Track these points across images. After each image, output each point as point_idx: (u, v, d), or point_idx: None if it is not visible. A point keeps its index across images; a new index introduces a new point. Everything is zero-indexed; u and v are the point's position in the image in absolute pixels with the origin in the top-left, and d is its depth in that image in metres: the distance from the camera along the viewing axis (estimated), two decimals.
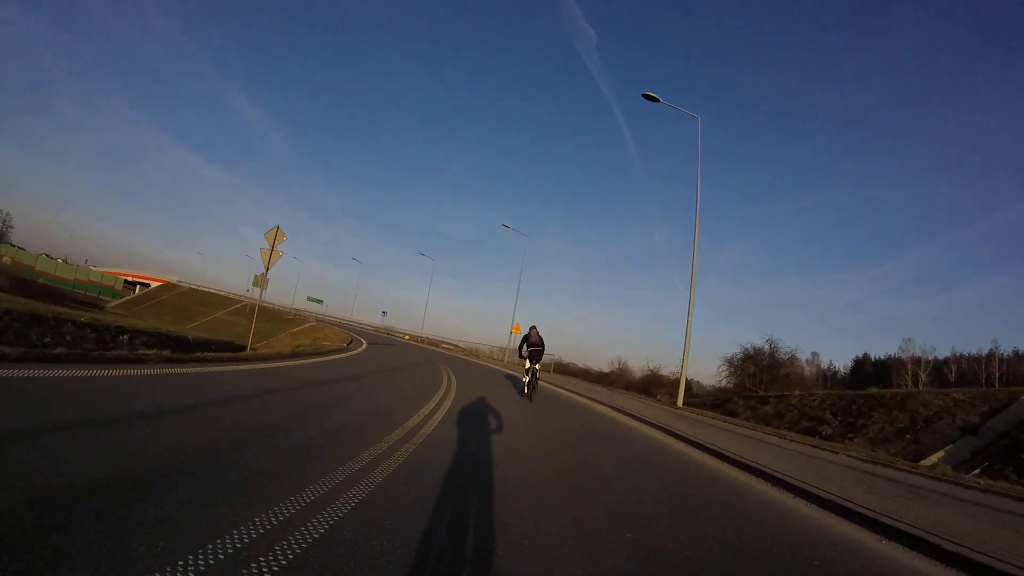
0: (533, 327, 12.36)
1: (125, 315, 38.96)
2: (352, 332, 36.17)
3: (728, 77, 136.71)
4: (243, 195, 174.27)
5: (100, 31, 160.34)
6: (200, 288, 59.76)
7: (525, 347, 12.25)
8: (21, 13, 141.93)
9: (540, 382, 14.56)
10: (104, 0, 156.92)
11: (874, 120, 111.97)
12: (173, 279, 66.25)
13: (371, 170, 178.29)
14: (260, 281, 17.48)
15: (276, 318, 42.08)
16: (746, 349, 32.98)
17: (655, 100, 18.94)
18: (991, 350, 55.52)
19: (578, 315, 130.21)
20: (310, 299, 78.47)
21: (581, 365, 34.86)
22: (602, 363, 23.75)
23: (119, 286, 72.74)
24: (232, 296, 50.87)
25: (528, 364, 12.17)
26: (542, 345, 12.27)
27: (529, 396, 12.04)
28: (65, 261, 77.22)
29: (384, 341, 34.71)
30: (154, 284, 67.12)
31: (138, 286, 73.68)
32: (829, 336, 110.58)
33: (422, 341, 43.26)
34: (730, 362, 33.05)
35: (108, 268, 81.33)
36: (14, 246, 64.92)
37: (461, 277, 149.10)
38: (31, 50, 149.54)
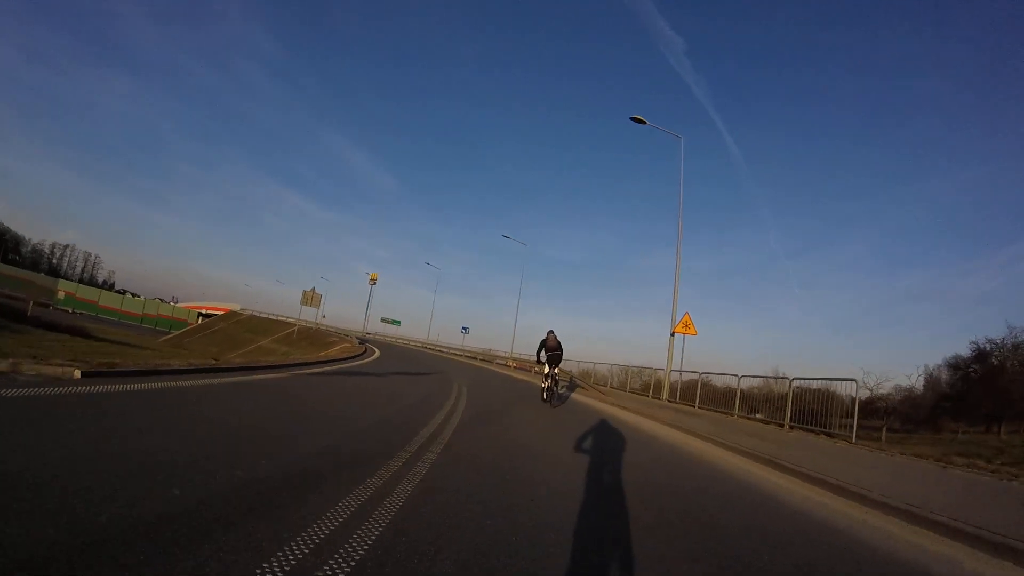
0: (551, 332, 12.42)
1: (160, 348, 33.04)
2: (390, 348, 28.71)
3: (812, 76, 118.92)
4: (353, 233, 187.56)
5: (212, 97, 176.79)
6: (259, 315, 55.00)
7: (543, 352, 12.40)
8: (136, 87, 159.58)
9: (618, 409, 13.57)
10: (213, 69, 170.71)
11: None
12: (237, 307, 62.65)
13: (472, 199, 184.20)
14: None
15: (319, 340, 34.96)
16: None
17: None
18: None
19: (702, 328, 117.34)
20: (385, 320, 72.60)
21: (721, 386, 25.03)
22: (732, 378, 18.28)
23: (193, 319, 70.81)
24: (289, 320, 44.42)
25: (547, 369, 12.34)
26: (560, 349, 12.40)
27: (550, 402, 12.24)
28: (133, 296, 77.65)
29: (418, 367, 25.85)
30: (218, 314, 63.76)
31: (200, 317, 71.27)
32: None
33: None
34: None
35: (191, 303, 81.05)
36: (76, 282, 64.09)
37: (573, 299, 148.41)
38: (148, 119, 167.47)
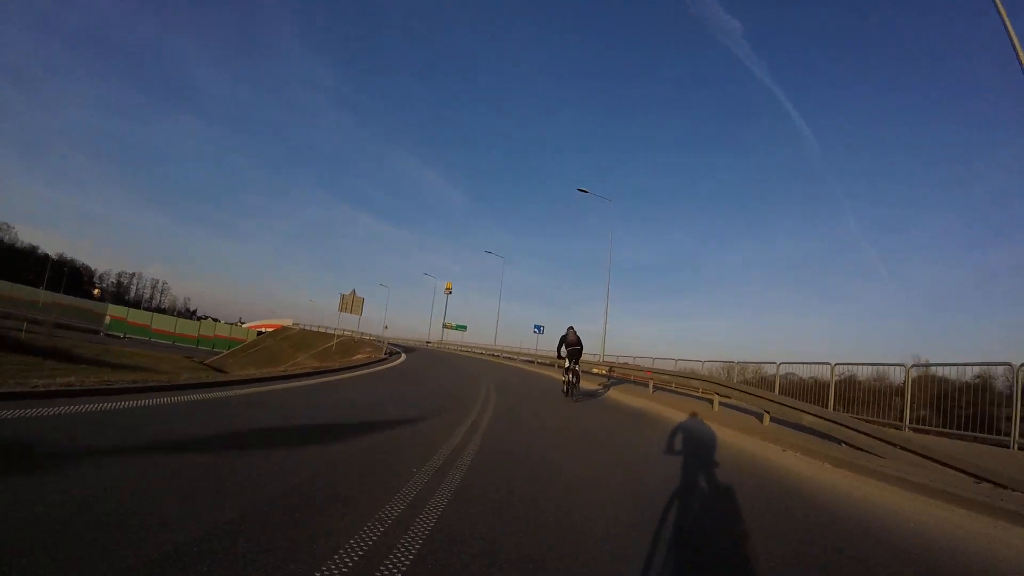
0: (571, 327, 12.92)
1: (173, 370, 28.87)
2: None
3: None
4: (426, 250, 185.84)
5: (279, 130, 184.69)
6: (310, 329, 50.84)
7: (564, 348, 12.81)
8: (205, 125, 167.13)
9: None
10: (278, 105, 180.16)
11: None
12: (288, 322, 59.19)
13: (539, 208, 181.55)
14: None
15: (353, 350, 29.47)
16: None
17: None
18: None
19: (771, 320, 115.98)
20: (447, 326, 66.90)
21: (806, 377, 17.26)
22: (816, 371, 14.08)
23: (251, 338, 68.37)
24: (337, 332, 39.55)
25: (568, 364, 12.67)
26: (580, 345, 12.80)
27: (571, 395, 12.38)
28: (212, 320, 76.64)
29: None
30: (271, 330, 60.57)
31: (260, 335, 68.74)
32: None
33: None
34: None
35: (254, 323, 79.63)
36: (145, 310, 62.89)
37: (642, 301, 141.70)
38: (220, 155, 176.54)
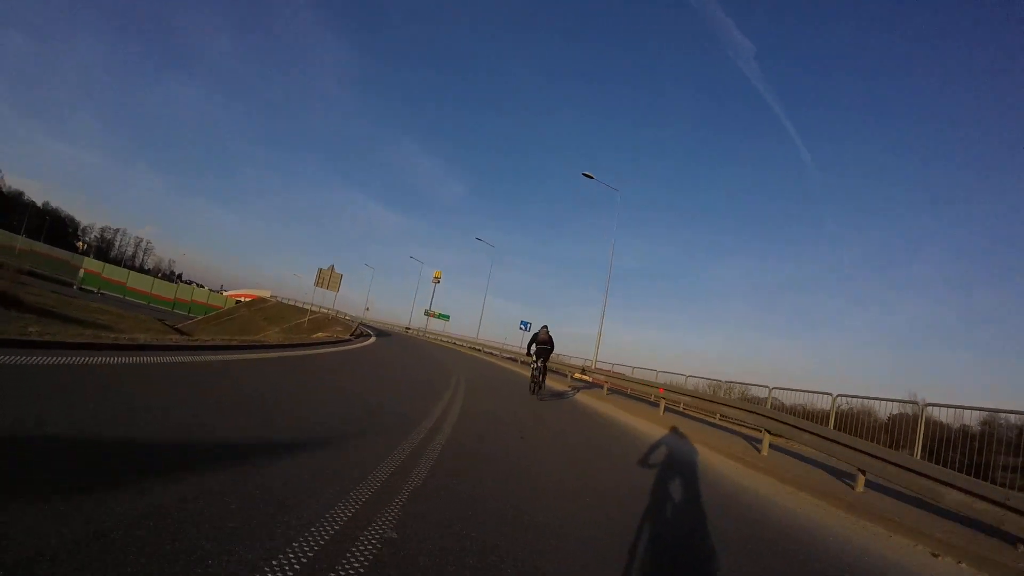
0: (544, 327, 13.05)
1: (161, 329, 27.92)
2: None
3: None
4: (419, 238, 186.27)
5: (282, 105, 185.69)
6: (286, 302, 49.59)
7: (534, 346, 12.86)
8: (214, 94, 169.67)
9: None
10: (283, 79, 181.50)
11: None
12: (267, 294, 57.88)
13: (535, 208, 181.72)
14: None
15: (325, 328, 28.41)
16: None
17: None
18: None
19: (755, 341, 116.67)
20: (428, 313, 65.40)
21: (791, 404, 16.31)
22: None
23: (228, 305, 67.05)
24: (313, 308, 38.37)
25: (536, 362, 12.72)
26: (551, 344, 12.86)
27: (536, 393, 12.56)
28: (190, 284, 75.02)
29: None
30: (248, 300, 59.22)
31: (236, 303, 67.38)
32: None
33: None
34: None
35: (235, 292, 78.18)
36: (103, 262, 61.43)
37: (634, 309, 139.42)
38: (224, 123, 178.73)
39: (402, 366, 13.44)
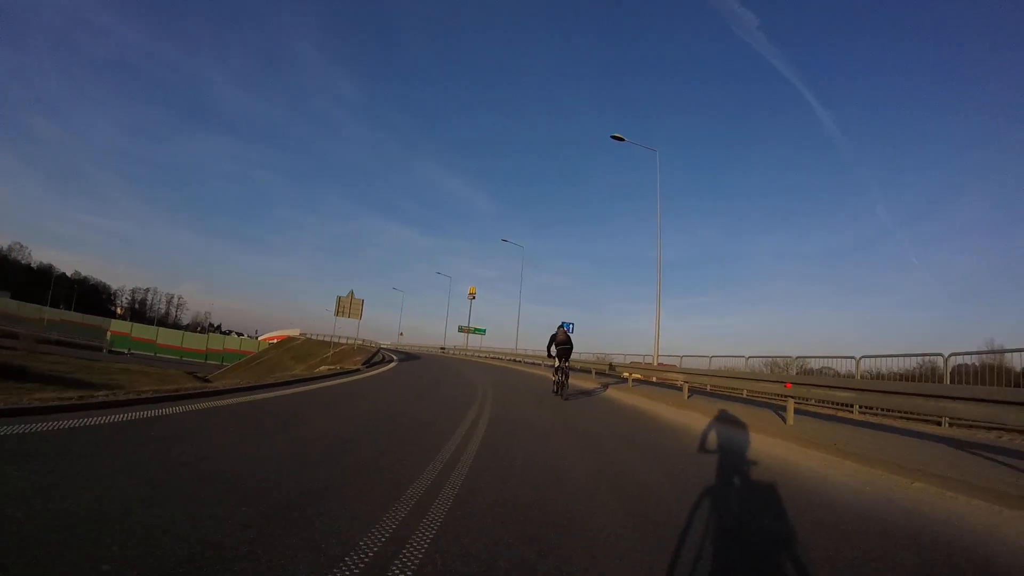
0: (561, 326, 13.05)
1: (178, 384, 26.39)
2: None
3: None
4: (452, 255, 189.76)
5: (302, 144, 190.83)
6: (315, 338, 48.33)
7: (554, 347, 12.81)
8: (229, 141, 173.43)
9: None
10: (300, 119, 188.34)
11: None
12: (296, 332, 56.86)
13: (572, 210, 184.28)
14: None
15: (346, 357, 26.79)
16: None
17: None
18: None
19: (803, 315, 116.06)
20: (463, 329, 63.07)
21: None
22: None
23: (260, 350, 66.48)
24: (339, 340, 36.93)
25: (557, 363, 12.68)
26: (570, 343, 12.82)
27: (561, 394, 12.31)
28: (236, 334, 75.11)
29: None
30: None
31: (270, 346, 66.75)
32: None
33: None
34: None
35: (268, 335, 77.82)
36: (155, 325, 61.56)
37: (677, 297, 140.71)
38: (244, 170, 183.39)
39: (410, 394, 11.32)
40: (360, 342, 38.61)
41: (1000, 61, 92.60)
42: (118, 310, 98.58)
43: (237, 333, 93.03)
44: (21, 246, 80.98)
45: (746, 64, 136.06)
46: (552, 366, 13.14)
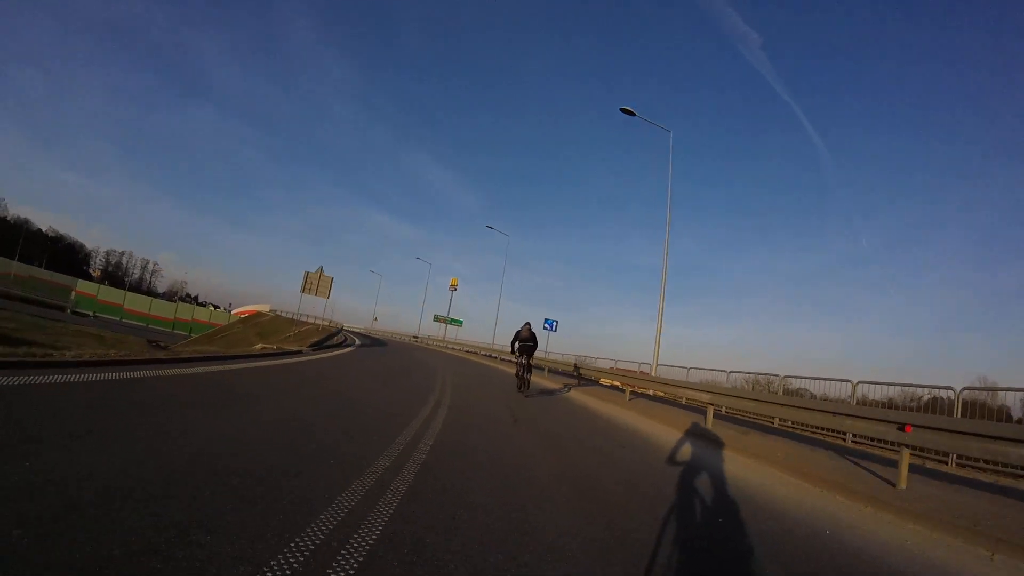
0: (527, 323, 12.87)
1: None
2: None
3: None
4: (440, 250, 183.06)
5: (291, 124, 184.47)
6: (284, 315, 47.44)
7: (517, 343, 12.77)
8: (219, 117, 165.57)
9: None
10: (292, 102, 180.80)
11: None
12: (265, 308, 55.77)
13: (557, 213, 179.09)
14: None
15: (307, 338, 26.19)
16: None
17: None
18: None
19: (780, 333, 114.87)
20: (439, 319, 62.09)
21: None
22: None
23: (228, 323, 65.39)
24: (308, 321, 36.22)
25: (521, 359, 12.68)
26: (534, 341, 12.84)
27: (522, 390, 12.53)
28: (207, 306, 73.77)
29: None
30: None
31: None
32: None
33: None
34: None
35: (241, 309, 76.49)
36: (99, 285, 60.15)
37: (648, 306, 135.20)
38: (232, 147, 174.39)
39: (355, 380, 10.70)
40: (328, 322, 37.92)
41: (995, 93, 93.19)
42: (94, 272, 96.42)
43: (214, 306, 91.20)
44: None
45: (744, 80, 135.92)
46: (514, 361, 13.26)
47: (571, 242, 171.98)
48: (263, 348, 14.49)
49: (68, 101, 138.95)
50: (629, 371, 21.62)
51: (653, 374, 18.25)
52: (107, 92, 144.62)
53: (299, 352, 15.08)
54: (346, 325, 56.89)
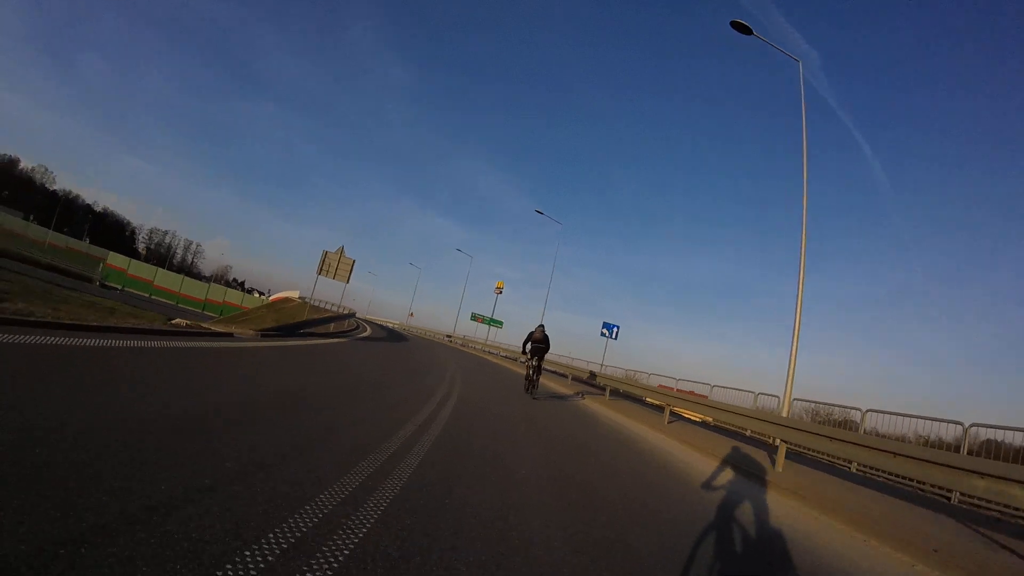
0: (540, 326, 12.79)
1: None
2: None
3: None
4: (483, 251, 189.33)
5: (349, 121, 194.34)
6: (313, 303, 44.84)
7: (529, 344, 12.75)
8: (281, 113, 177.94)
9: None
10: (350, 96, 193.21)
11: None
12: (295, 294, 53.49)
13: (602, 223, 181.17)
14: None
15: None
16: None
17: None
18: None
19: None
20: (477, 317, 58.12)
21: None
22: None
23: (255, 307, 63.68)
24: (334, 312, 33.74)
25: (532, 361, 12.67)
26: (546, 343, 12.71)
27: (530, 392, 12.54)
28: (252, 292, 73.07)
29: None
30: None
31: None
32: None
33: None
34: None
35: (277, 296, 75.24)
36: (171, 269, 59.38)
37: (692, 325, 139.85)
38: (292, 143, 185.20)
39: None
40: (345, 309, 35.04)
41: None
42: (141, 250, 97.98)
43: (259, 292, 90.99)
44: (46, 170, 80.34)
45: (796, 97, 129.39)
46: (524, 363, 13.50)
47: (616, 252, 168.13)
48: (177, 324, 10.95)
49: (130, 88, 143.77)
50: (687, 393, 17.53)
51: (785, 411, 13.29)
52: (169, 81, 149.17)
53: (228, 335, 11.52)
54: (381, 319, 54.54)
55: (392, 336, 30.32)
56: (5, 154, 77.42)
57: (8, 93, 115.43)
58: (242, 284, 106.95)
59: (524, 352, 12.97)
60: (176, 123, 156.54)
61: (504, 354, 37.59)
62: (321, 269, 29.82)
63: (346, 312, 36.24)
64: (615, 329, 27.38)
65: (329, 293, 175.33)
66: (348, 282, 31.34)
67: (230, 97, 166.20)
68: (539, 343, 12.55)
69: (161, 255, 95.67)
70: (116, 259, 53.88)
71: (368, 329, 32.34)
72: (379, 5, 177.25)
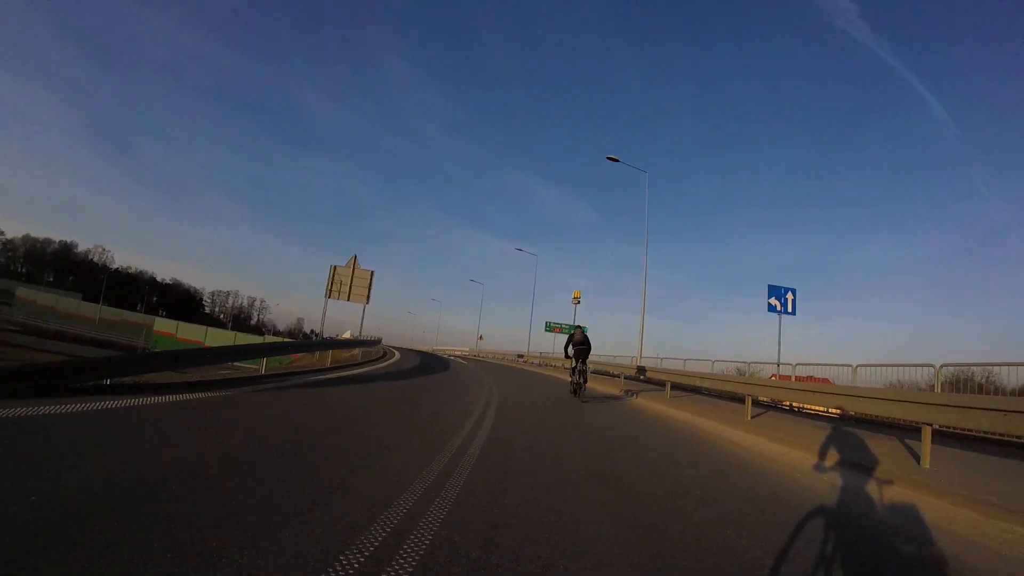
0: (579, 327, 13.35)
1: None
2: None
3: None
4: (551, 265, 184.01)
5: (396, 157, 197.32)
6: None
7: (571, 347, 12.79)
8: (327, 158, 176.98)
9: None
10: (393, 133, 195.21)
11: None
12: (347, 334, 48.46)
13: (671, 219, 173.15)
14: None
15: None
16: None
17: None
18: None
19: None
20: (553, 327, 50.09)
21: None
22: None
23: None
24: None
25: (574, 364, 12.71)
26: (587, 344, 12.72)
27: (578, 395, 12.47)
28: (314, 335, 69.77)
29: None
30: None
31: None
32: None
33: None
34: None
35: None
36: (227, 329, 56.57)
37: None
38: (341, 184, 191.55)
39: None
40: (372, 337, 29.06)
41: None
42: (223, 317, 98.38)
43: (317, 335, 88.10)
44: (103, 250, 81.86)
45: (846, 56, 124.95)
46: (568, 367, 13.57)
47: (680, 250, 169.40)
48: None
49: (185, 161, 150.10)
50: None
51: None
52: (220, 148, 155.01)
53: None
54: (441, 349, 48.59)
55: (421, 368, 22.42)
56: (61, 240, 79.96)
57: (65, 176, 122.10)
58: (312, 333, 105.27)
59: (567, 356, 13.03)
60: (225, 185, 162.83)
61: (594, 369, 29.49)
62: (330, 291, 23.55)
63: (351, 338, 29.93)
64: (788, 295, 17.12)
65: (397, 328, 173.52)
66: (367, 302, 25.07)
67: (278, 153, 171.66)
68: (581, 345, 12.64)
69: (243, 320, 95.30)
70: (162, 324, 51.53)
71: (395, 355, 25.71)
72: (408, 41, 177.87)
